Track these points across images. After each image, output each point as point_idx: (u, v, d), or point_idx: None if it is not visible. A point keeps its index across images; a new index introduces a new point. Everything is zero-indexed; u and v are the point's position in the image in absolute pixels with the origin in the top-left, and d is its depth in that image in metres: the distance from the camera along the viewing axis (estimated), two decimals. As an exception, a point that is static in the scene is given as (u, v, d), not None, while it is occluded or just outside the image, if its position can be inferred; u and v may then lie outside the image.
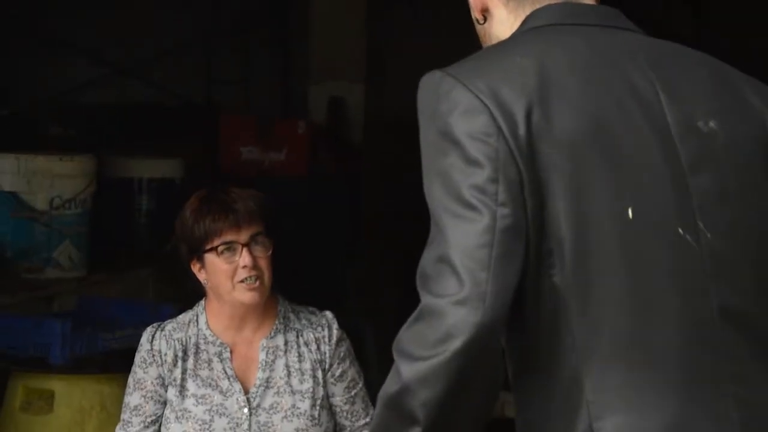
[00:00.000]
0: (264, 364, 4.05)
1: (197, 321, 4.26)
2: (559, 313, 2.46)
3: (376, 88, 9.02)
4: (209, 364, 4.12)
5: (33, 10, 9.89)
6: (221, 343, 4.10)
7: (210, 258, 4.10)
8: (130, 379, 4.23)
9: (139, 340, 4.81)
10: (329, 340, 4.26)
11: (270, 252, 4.08)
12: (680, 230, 2.50)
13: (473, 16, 2.76)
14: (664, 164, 2.51)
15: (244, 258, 4.05)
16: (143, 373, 4.19)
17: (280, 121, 8.60)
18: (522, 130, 2.37)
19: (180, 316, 4.32)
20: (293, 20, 9.95)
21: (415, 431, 2.36)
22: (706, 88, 2.57)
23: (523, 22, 2.58)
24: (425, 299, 2.32)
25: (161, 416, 4.17)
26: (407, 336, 2.35)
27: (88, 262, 6.59)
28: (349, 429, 4.29)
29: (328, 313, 4.27)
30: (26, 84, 9.39)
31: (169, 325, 4.27)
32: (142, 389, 4.18)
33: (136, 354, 4.25)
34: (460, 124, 2.36)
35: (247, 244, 4.07)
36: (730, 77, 2.60)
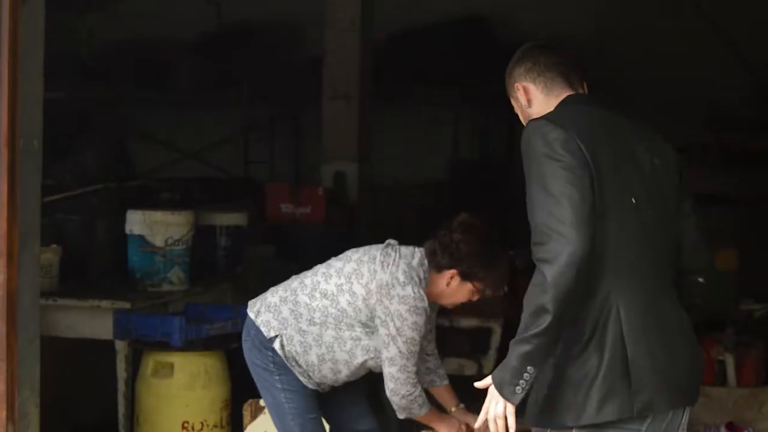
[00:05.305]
0: None
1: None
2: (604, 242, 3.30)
3: (366, 166, 9.85)
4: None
5: (131, 114, 10.90)
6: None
7: (469, 285, 4.52)
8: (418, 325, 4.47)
9: (225, 331, 6.20)
10: None
11: None
12: (651, 211, 3.44)
13: (522, 103, 3.57)
14: (642, 173, 3.44)
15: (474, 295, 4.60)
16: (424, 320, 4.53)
17: (306, 187, 9.48)
18: (584, 147, 3.28)
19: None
20: (307, 118, 11.10)
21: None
22: (647, 134, 3.52)
23: (561, 102, 3.50)
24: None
25: None
26: None
27: (189, 280, 6.96)
28: None
29: None
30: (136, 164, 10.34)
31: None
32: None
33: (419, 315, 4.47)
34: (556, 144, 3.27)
35: None
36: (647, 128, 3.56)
